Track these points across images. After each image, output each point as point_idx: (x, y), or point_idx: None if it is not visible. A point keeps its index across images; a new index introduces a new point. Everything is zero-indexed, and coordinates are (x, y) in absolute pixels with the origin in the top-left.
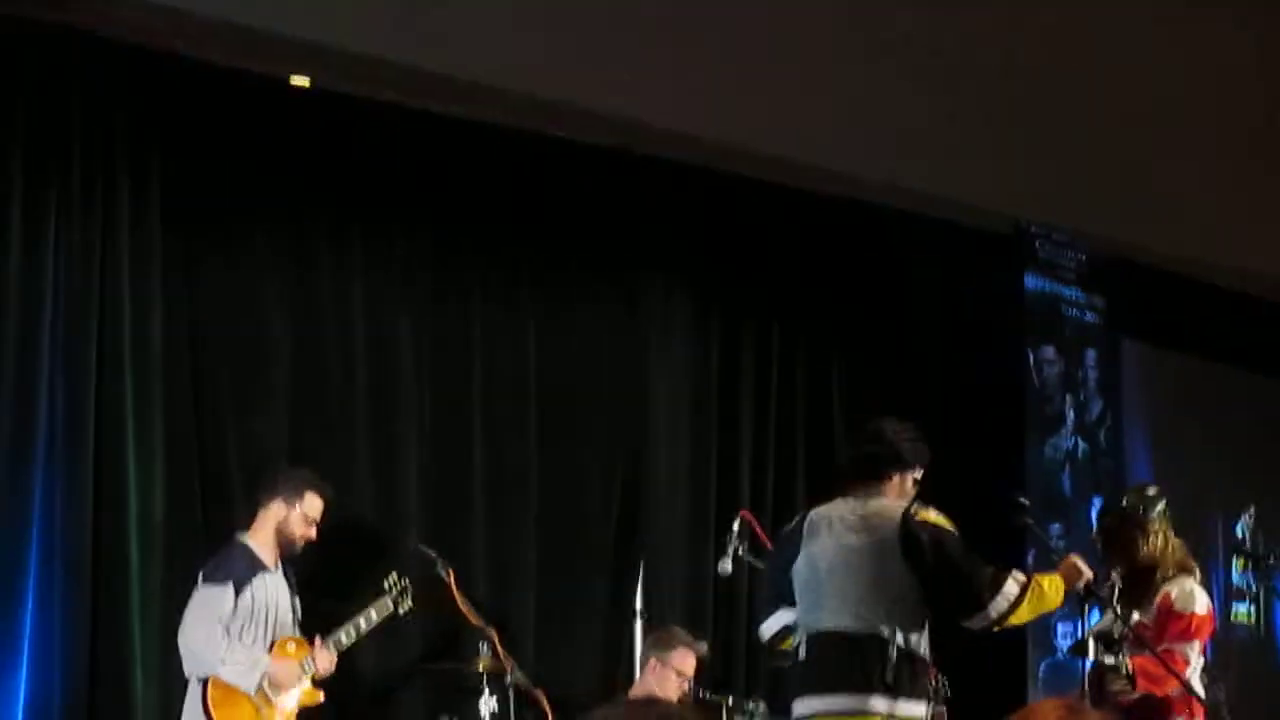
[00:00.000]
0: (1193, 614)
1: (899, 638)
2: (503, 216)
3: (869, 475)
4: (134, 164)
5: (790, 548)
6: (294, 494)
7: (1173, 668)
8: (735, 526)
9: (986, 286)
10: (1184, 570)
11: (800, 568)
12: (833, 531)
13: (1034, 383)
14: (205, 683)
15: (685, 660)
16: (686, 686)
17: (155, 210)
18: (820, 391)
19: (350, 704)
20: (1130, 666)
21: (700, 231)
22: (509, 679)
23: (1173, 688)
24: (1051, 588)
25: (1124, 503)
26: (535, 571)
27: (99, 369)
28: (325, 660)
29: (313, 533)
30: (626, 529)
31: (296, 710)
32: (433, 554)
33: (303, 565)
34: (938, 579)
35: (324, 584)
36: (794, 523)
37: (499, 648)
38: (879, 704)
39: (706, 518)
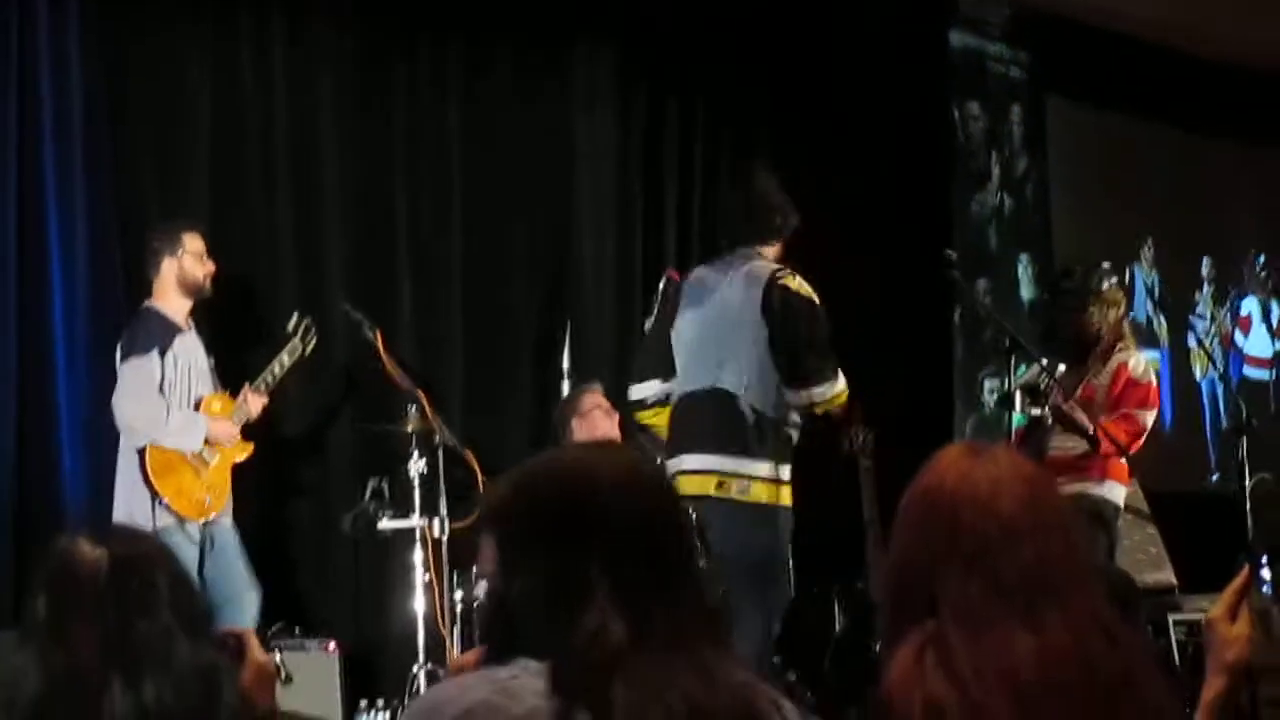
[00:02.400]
0: (1149, 384)
1: (753, 397)
2: None
3: (747, 237)
4: None
5: (669, 311)
6: (174, 244)
7: (1115, 437)
8: (661, 285)
9: (911, 43)
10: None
11: (679, 330)
12: (706, 293)
13: (959, 139)
14: (142, 453)
15: (595, 398)
16: (613, 420)
17: None
18: (745, 153)
19: (281, 469)
20: (1093, 429)
21: None
22: (437, 440)
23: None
24: None
25: (1076, 274)
26: (462, 335)
27: (19, 146)
28: (256, 403)
29: (211, 267)
30: (554, 292)
31: (230, 465)
32: (359, 316)
33: (223, 327)
34: (777, 343)
35: (241, 341)
36: (669, 285)
37: (428, 409)
38: (727, 463)
39: (633, 277)
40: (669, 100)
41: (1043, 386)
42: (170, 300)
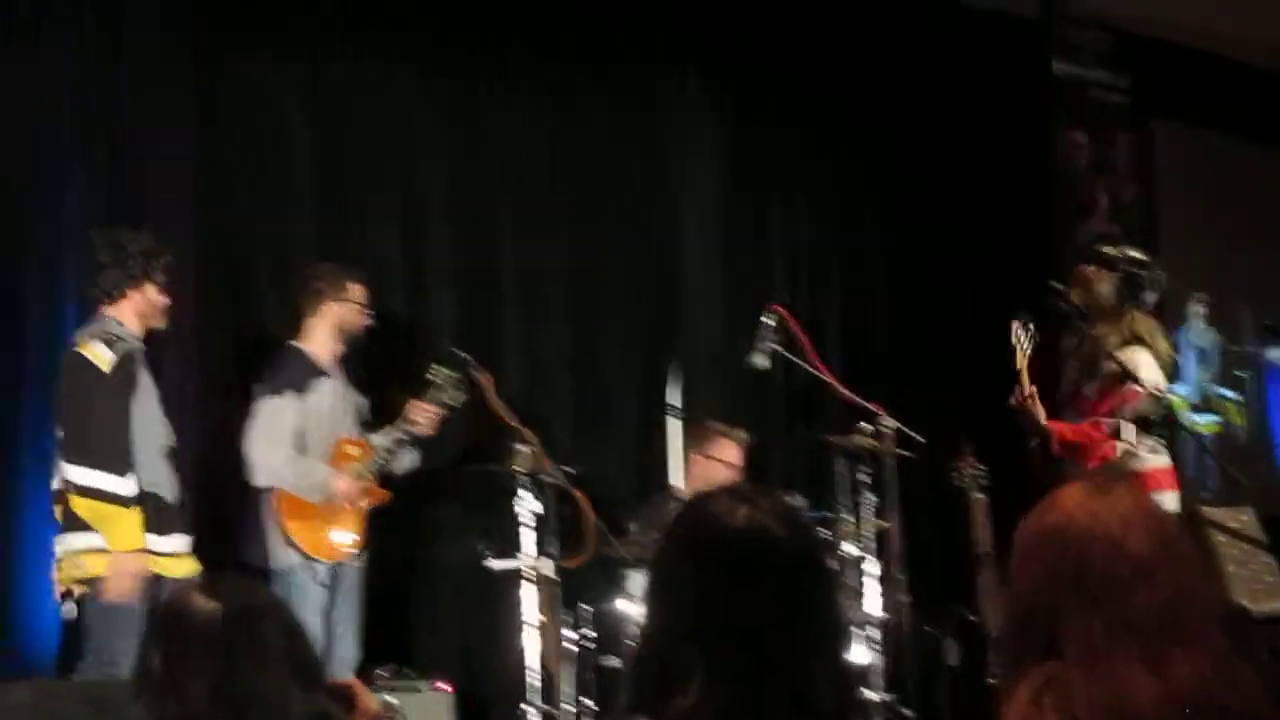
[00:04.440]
0: (1132, 388)
1: (63, 468)
2: (520, 13)
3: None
4: None
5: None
6: (338, 288)
7: (1061, 435)
8: (769, 319)
9: (1012, 72)
10: (1138, 341)
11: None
12: None
13: (1064, 168)
14: (273, 491)
15: (726, 449)
16: (731, 474)
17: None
18: (850, 184)
19: (389, 508)
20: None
21: (724, 20)
22: (546, 478)
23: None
24: (123, 534)
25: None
26: (569, 372)
27: (119, 174)
28: (351, 490)
29: (367, 318)
30: (659, 327)
31: (367, 509)
32: (466, 356)
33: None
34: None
35: (366, 383)
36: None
37: (536, 447)
38: (58, 545)
39: (740, 312)
40: (775, 131)
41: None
42: (318, 341)
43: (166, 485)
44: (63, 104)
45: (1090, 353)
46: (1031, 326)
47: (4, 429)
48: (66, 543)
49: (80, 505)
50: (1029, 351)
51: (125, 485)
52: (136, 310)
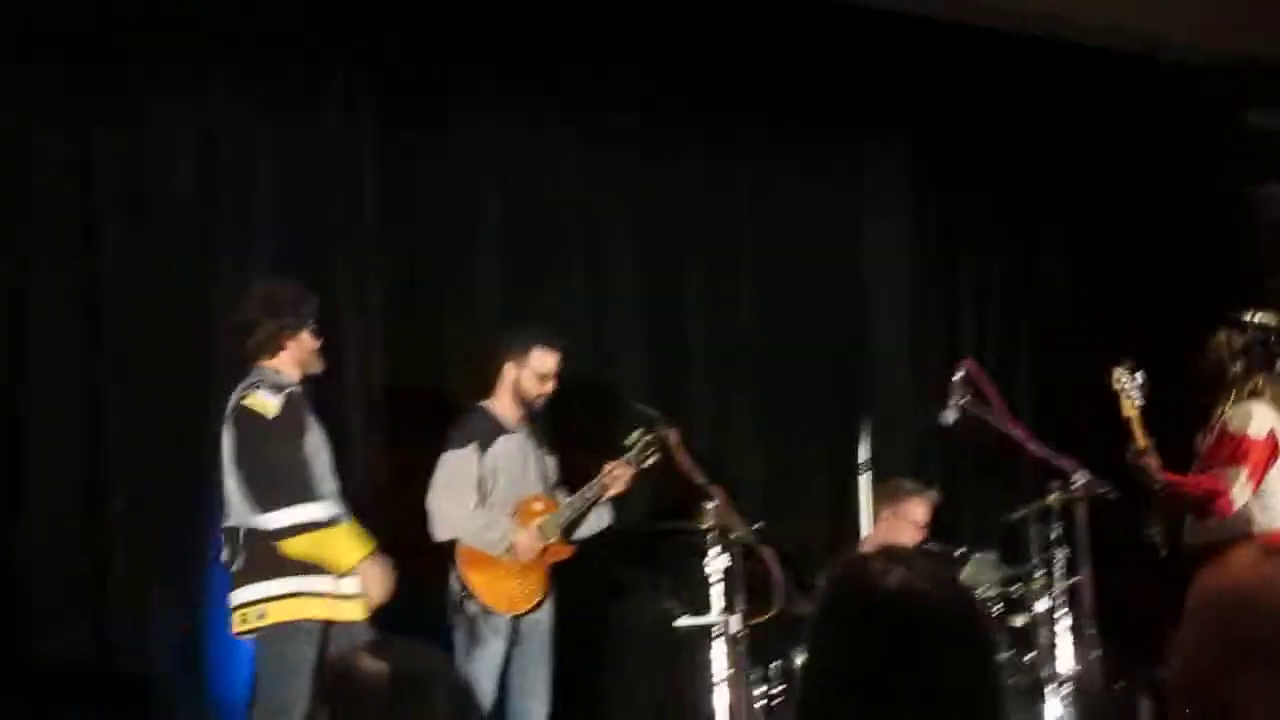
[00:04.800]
0: (1244, 436)
1: (250, 521)
2: (715, 71)
3: (248, 355)
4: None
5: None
6: (521, 352)
7: (1184, 488)
8: (958, 376)
9: (1204, 125)
10: (1254, 396)
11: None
12: None
13: (1258, 221)
14: (455, 545)
15: (917, 509)
16: (920, 535)
17: (366, 73)
18: (1040, 240)
19: (577, 566)
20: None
21: (915, 84)
22: (734, 536)
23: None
24: (347, 546)
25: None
26: (757, 428)
27: (315, 235)
28: (529, 545)
29: (548, 388)
30: (848, 383)
31: (548, 563)
32: (654, 413)
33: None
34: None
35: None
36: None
37: (724, 505)
38: (234, 596)
39: (929, 368)
40: (960, 190)
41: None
42: (503, 401)
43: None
44: (255, 167)
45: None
46: (1140, 374)
47: (192, 465)
48: (236, 596)
49: (298, 544)
50: (1138, 401)
51: (323, 509)
52: (295, 359)
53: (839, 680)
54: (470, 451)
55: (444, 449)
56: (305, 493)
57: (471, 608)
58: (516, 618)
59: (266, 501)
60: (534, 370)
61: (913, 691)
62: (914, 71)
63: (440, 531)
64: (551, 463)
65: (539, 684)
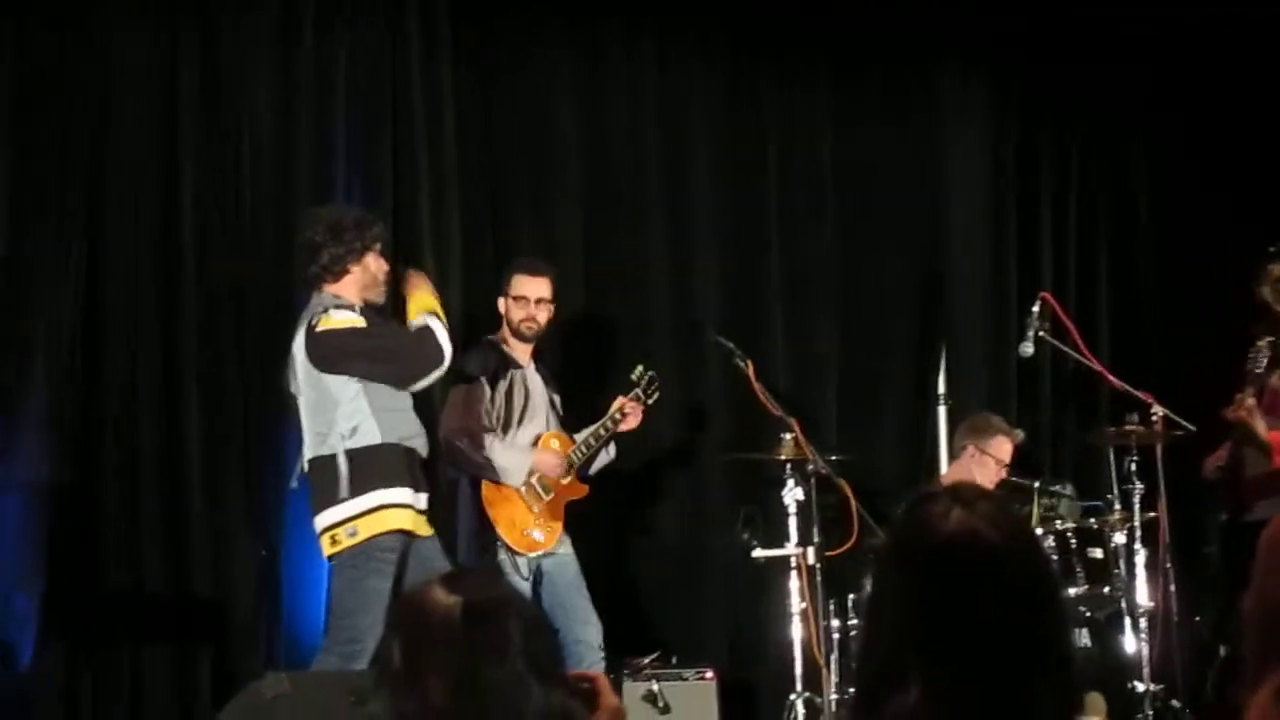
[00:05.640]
0: None
1: (343, 445)
2: (796, 7)
3: (312, 278)
4: None
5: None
6: (505, 282)
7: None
8: (1036, 308)
9: None
10: None
11: None
12: None
13: None
14: (477, 483)
15: (1003, 447)
16: (1003, 474)
17: (444, 8)
18: (1121, 174)
19: (654, 498)
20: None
21: (998, 13)
22: (811, 467)
23: None
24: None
25: None
26: (835, 360)
27: (394, 175)
28: (553, 462)
29: (534, 313)
30: (927, 314)
31: (564, 502)
32: (730, 345)
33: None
34: (360, 369)
35: (598, 375)
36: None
37: (800, 437)
38: (321, 519)
39: (1008, 300)
40: (1043, 120)
41: None
42: (508, 337)
43: (420, 440)
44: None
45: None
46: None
47: (265, 397)
48: (324, 519)
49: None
50: (1260, 366)
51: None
52: (358, 284)
53: (895, 622)
54: (481, 383)
55: (453, 381)
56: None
57: (498, 551)
58: (538, 558)
59: (417, 370)
60: (514, 295)
61: (966, 636)
62: (995, 4)
63: (456, 462)
64: (557, 399)
65: (587, 612)
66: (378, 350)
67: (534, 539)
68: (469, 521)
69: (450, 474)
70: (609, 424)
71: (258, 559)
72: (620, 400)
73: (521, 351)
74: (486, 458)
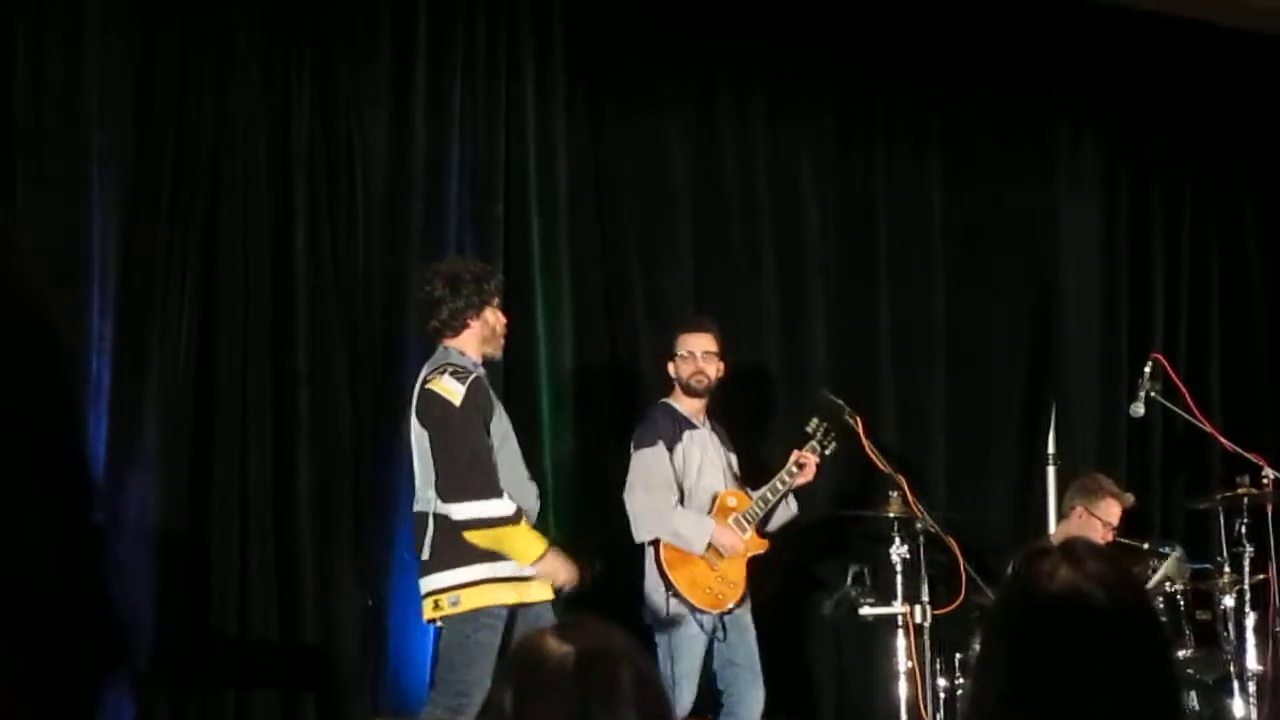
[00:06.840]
0: None
1: (438, 507)
2: (910, 62)
3: (432, 333)
4: (537, 10)
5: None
6: (671, 341)
7: None
8: (1148, 369)
9: None
10: None
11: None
12: None
13: None
14: (657, 544)
15: (1111, 510)
16: (1110, 537)
17: (559, 58)
18: (1234, 234)
19: (763, 556)
20: None
21: (1109, 75)
22: (919, 525)
23: None
24: (525, 545)
25: None
26: (944, 417)
27: (506, 222)
28: (732, 543)
29: (702, 368)
30: (1037, 373)
31: (746, 558)
32: (840, 401)
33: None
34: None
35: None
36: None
37: (909, 494)
38: (425, 583)
39: (1118, 360)
40: (1154, 179)
41: None
42: (681, 397)
43: (531, 501)
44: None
45: None
46: None
47: (382, 447)
48: (428, 583)
49: (479, 537)
50: None
51: (505, 506)
52: (478, 337)
53: (1001, 680)
54: (661, 449)
55: (635, 448)
56: (487, 488)
57: (677, 607)
58: (722, 615)
59: (451, 492)
60: (680, 354)
61: (1073, 696)
62: (1107, 60)
63: (642, 532)
64: (733, 458)
65: (758, 670)
66: (444, 442)
67: (717, 596)
68: (651, 578)
69: (641, 538)
70: (785, 477)
71: (364, 606)
72: (796, 453)
73: (695, 410)
74: (673, 529)
